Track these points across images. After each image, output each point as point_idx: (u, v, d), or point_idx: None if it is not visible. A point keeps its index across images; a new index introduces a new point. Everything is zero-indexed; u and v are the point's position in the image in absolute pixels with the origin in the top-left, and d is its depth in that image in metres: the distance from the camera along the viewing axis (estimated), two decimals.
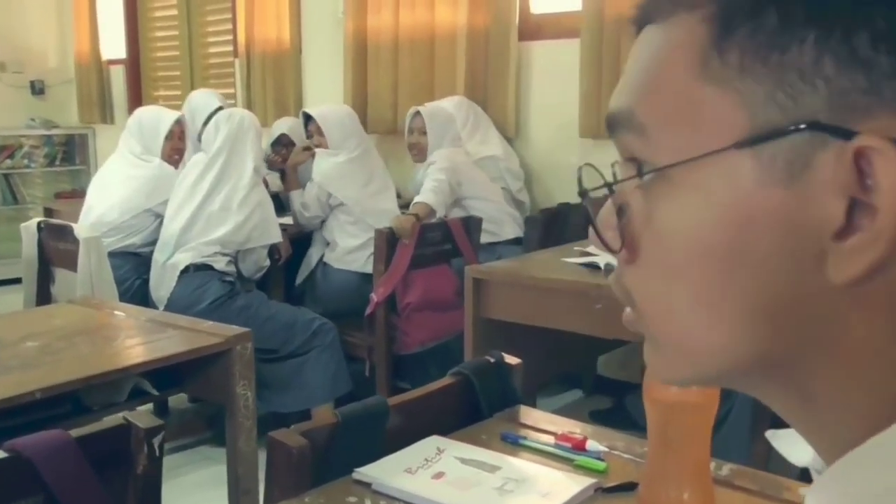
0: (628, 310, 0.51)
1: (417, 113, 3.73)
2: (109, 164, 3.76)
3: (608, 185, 0.49)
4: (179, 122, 3.78)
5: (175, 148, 3.76)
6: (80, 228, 3.11)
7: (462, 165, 3.64)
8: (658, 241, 0.46)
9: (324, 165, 3.62)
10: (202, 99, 4.28)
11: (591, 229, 0.50)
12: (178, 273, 3.26)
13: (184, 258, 3.27)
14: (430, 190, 3.50)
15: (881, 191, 0.40)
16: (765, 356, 0.45)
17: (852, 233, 0.40)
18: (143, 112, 3.89)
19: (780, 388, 0.46)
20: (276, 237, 3.42)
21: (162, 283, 3.32)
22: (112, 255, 3.43)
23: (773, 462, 2.33)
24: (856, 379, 0.43)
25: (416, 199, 3.52)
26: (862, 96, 0.40)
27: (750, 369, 0.46)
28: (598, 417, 3.43)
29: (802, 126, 0.41)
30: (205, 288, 3.24)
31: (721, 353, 0.46)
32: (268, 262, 3.44)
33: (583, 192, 0.51)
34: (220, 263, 3.30)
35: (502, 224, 3.72)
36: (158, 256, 3.37)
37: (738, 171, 0.42)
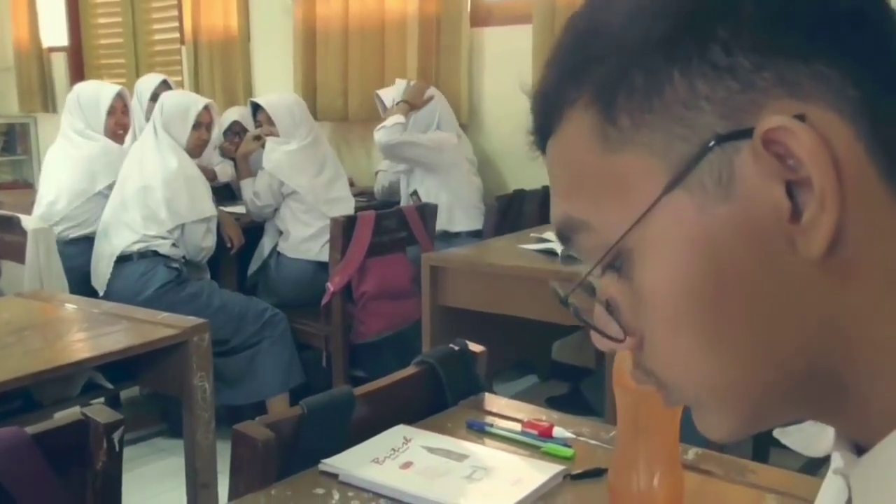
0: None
1: None
2: (54, 149, 3.66)
3: (580, 285, 0.52)
4: (121, 96, 3.67)
5: (119, 123, 3.66)
6: (29, 220, 3.03)
7: (446, 147, 3.70)
8: (648, 307, 0.48)
9: (275, 154, 3.58)
10: (147, 79, 4.26)
11: (592, 333, 0.52)
12: (114, 259, 3.21)
13: (122, 242, 3.22)
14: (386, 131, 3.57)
15: (803, 161, 0.42)
16: (788, 371, 0.46)
17: (803, 209, 0.42)
18: (81, 87, 3.78)
19: (817, 395, 0.47)
20: (209, 211, 3.36)
21: (98, 269, 3.27)
22: (71, 242, 3.37)
23: (729, 445, 2.37)
24: (880, 350, 0.44)
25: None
26: (742, 96, 0.43)
27: (783, 393, 0.47)
28: (555, 403, 3.45)
29: (710, 145, 0.43)
30: (150, 275, 3.19)
31: (748, 385, 0.47)
32: (209, 243, 3.37)
33: (564, 301, 0.53)
34: (164, 247, 3.25)
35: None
36: (97, 241, 3.32)
37: (679, 210, 0.45)
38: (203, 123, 3.43)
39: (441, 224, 3.57)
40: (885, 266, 0.43)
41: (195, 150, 3.43)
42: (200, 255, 3.37)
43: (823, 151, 0.41)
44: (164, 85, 4.14)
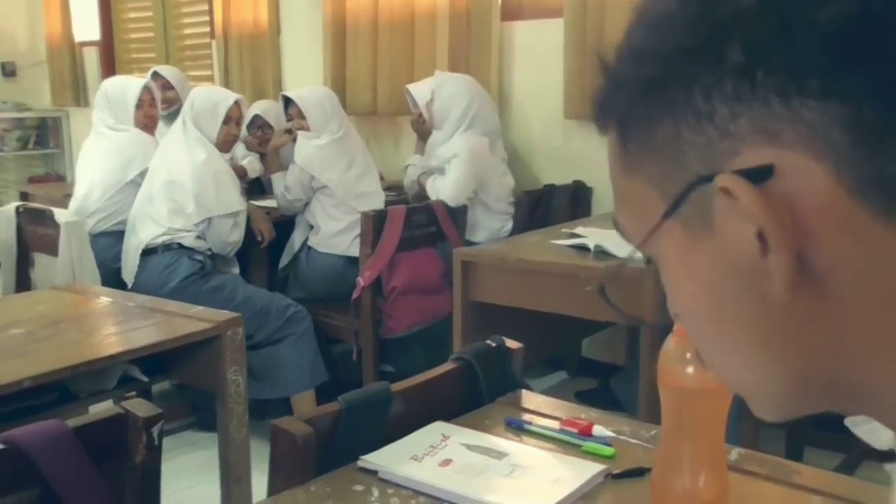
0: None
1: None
2: (87, 145, 3.69)
3: (616, 276, 0.58)
4: (148, 89, 3.71)
5: (148, 115, 3.69)
6: (62, 213, 3.05)
7: (483, 159, 3.62)
8: (672, 305, 0.53)
9: (306, 148, 3.58)
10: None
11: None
12: (140, 252, 3.23)
13: (147, 235, 3.24)
14: (453, 185, 3.48)
15: (751, 215, 0.44)
16: (808, 377, 0.47)
17: (770, 249, 0.44)
18: (109, 83, 3.81)
19: (849, 395, 0.48)
20: (237, 206, 3.36)
21: (127, 262, 3.29)
22: (102, 235, 3.40)
23: (763, 443, 2.34)
24: (885, 354, 0.44)
25: (438, 190, 3.50)
26: (721, 143, 0.45)
27: (814, 392, 0.48)
28: (584, 398, 3.44)
29: (692, 185, 0.46)
30: (173, 267, 3.20)
31: (772, 386, 0.49)
32: (236, 237, 3.37)
33: (601, 290, 0.60)
34: (188, 239, 3.26)
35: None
36: (126, 235, 3.34)
37: (676, 237, 0.49)
38: (233, 118, 3.43)
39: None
40: (884, 301, 0.43)
41: (224, 145, 3.44)
42: (227, 250, 3.38)
43: (765, 208, 0.43)
44: (156, 76, 4.19)
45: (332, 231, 3.54)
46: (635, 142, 0.49)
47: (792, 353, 0.47)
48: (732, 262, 0.46)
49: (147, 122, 3.68)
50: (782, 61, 0.43)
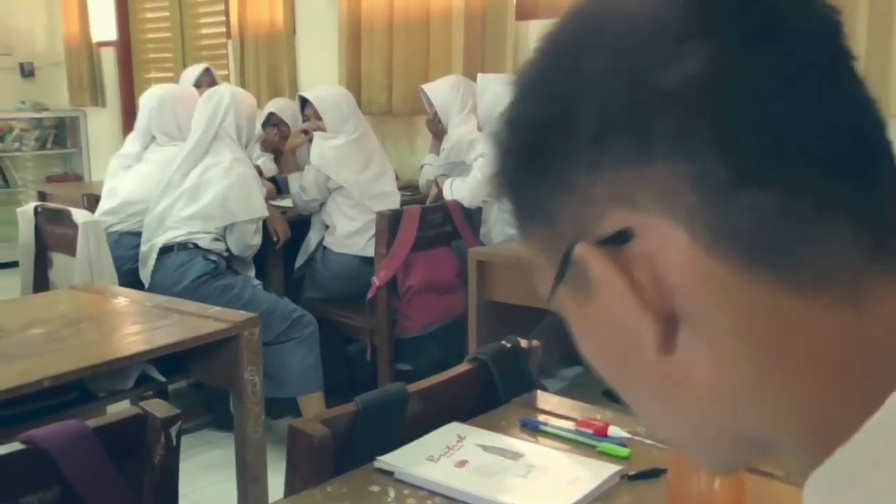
0: None
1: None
2: (124, 172, 3.62)
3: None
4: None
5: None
6: (80, 213, 3.08)
7: None
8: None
9: (321, 149, 3.59)
10: (191, 69, 4.38)
11: None
12: (156, 252, 3.24)
13: (165, 236, 3.26)
14: (470, 188, 3.49)
15: (609, 281, 0.44)
16: (715, 427, 0.47)
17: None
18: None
19: (760, 446, 0.47)
20: (261, 212, 3.37)
21: (146, 262, 3.31)
22: (128, 234, 3.42)
23: None
24: (764, 405, 0.44)
25: (456, 191, 3.51)
26: (583, 210, 0.45)
27: (735, 445, 0.48)
28: (613, 395, 3.43)
29: (567, 251, 0.46)
30: (188, 266, 3.22)
31: (684, 437, 0.49)
32: (257, 241, 3.39)
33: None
34: (205, 241, 3.27)
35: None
36: (144, 236, 3.36)
37: (570, 300, 0.48)
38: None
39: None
40: (755, 351, 0.43)
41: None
42: (248, 252, 3.40)
43: (619, 274, 0.43)
44: (207, 73, 4.19)
45: (348, 231, 3.55)
46: (523, 209, 0.50)
47: (689, 408, 0.46)
48: (614, 323, 0.46)
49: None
50: (628, 126, 0.43)
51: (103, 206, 3.55)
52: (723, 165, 0.41)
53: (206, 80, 4.15)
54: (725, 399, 0.45)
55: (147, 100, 3.67)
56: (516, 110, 0.49)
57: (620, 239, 0.44)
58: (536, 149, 0.47)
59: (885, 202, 0.42)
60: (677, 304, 0.43)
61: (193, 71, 4.28)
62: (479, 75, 3.82)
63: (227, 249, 3.35)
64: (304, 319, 3.24)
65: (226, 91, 3.51)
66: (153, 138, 3.62)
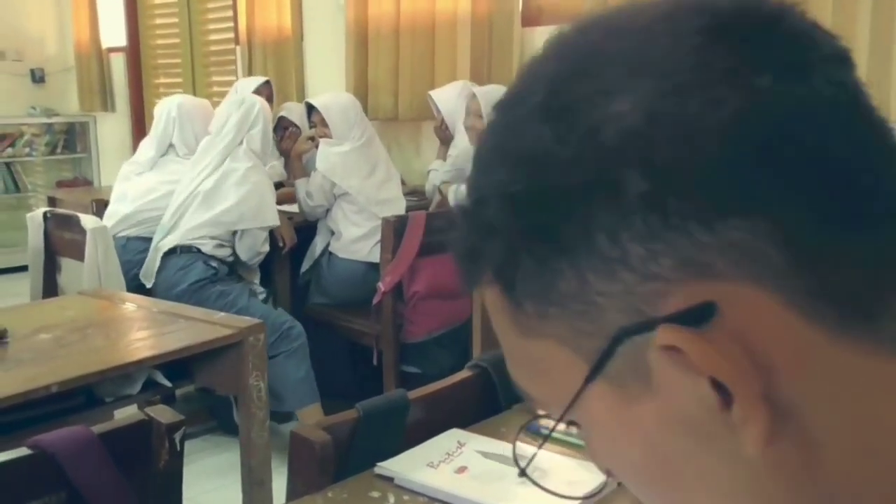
0: None
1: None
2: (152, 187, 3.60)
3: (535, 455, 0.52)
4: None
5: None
6: (89, 219, 3.10)
7: None
8: (609, 468, 0.46)
9: (327, 155, 3.62)
10: (249, 80, 4.44)
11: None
12: (161, 254, 3.27)
13: (171, 239, 3.29)
14: None
15: (705, 371, 0.37)
16: None
17: (733, 400, 0.37)
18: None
19: None
20: (273, 221, 3.39)
21: (151, 265, 3.34)
22: (135, 239, 3.44)
23: None
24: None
25: (459, 196, 3.51)
26: (642, 287, 0.37)
27: None
28: None
29: (616, 340, 0.39)
30: (186, 269, 3.24)
31: None
32: (266, 248, 3.41)
33: (522, 471, 0.53)
34: (208, 246, 3.29)
35: None
36: (156, 237, 3.39)
37: (605, 399, 0.41)
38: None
39: None
40: (854, 429, 0.38)
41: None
42: (256, 259, 3.42)
43: (718, 357, 0.36)
44: (267, 86, 4.23)
45: (354, 237, 3.57)
46: (532, 298, 0.41)
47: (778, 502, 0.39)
48: (684, 420, 0.38)
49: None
50: (693, 180, 0.36)
51: (112, 210, 3.57)
52: (802, 214, 0.36)
53: (265, 93, 4.11)
54: (822, 487, 0.38)
55: (166, 109, 3.69)
56: (513, 181, 0.40)
57: (701, 315, 0.37)
58: (558, 223, 0.39)
59: None
60: (774, 387, 0.37)
61: (252, 82, 4.27)
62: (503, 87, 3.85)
63: (232, 255, 3.37)
64: (293, 332, 3.20)
65: (256, 100, 3.55)
66: (170, 146, 3.66)
